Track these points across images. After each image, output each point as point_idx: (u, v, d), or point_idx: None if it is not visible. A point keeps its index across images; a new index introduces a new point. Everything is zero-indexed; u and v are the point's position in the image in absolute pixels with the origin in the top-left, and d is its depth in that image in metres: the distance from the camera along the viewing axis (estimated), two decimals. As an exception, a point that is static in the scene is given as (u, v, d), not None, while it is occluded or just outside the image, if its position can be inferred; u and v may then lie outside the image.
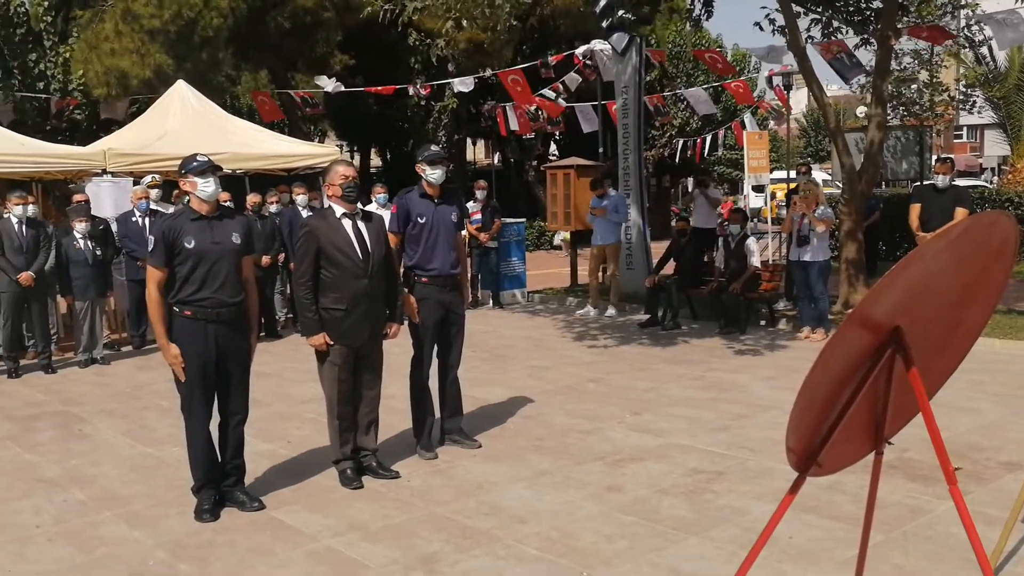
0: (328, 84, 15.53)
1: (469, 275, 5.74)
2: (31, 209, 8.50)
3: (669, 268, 10.77)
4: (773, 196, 20.17)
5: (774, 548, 3.86)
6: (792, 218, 9.31)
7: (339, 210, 5.00)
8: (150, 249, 4.53)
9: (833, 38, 11.22)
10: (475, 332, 10.03)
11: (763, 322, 9.99)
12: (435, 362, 5.78)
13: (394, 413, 6.58)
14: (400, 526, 4.39)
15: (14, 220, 8.27)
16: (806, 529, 4.13)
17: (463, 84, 15.71)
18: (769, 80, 16.96)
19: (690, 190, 11.82)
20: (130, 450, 5.87)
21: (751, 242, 9.87)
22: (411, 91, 16.15)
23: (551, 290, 13.33)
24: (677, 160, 25.06)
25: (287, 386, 7.64)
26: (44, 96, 16.06)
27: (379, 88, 15.47)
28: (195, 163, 4.58)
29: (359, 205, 5.14)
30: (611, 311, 11.11)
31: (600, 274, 11.59)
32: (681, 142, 24.46)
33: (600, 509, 4.54)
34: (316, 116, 19.26)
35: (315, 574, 3.87)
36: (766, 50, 13.34)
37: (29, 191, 9.39)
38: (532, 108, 16.29)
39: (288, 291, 10.57)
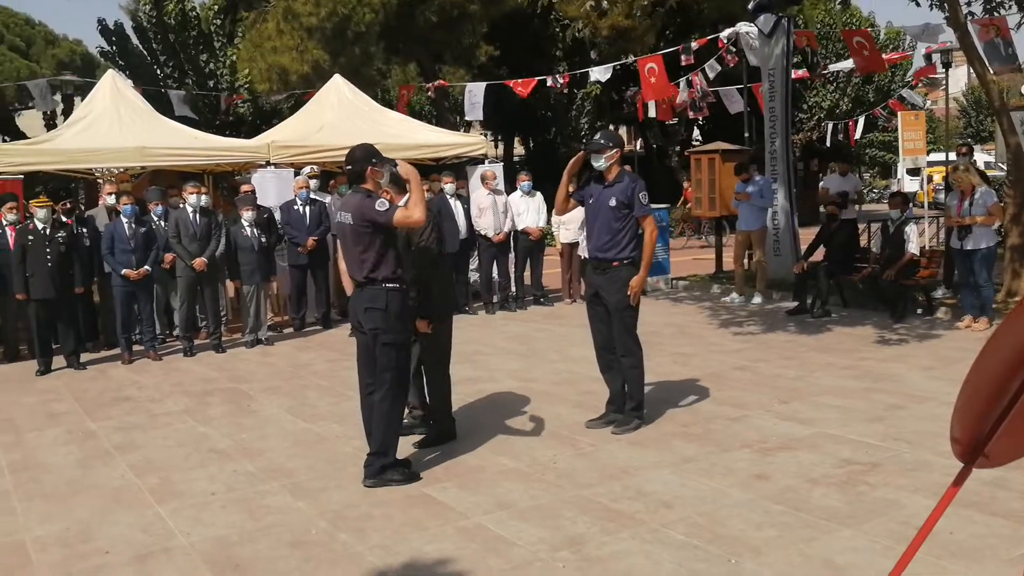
0: (474, 110, 15.66)
1: (642, 262, 5.81)
2: (204, 199, 9.13)
3: (819, 254, 10.40)
4: (930, 180, 19.00)
5: (933, 544, 3.71)
6: (950, 204, 8.84)
7: None
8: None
9: (996, 13, 10.47)
10: (617, 319, 10.05)
11: (920, 310, 9.51)
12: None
13: (537, 395, 6.71)
14: (547, 506, 4.48)
15: (189, 210, 8.91)
16: (968, 525, 3.94)
17: (602, 72, 15.64)
18: (927, 57, 15.98)
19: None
20: (293, 426, 6.25)
21: (911, 228, 9.42)
22: (549, 82, 16.23)
23: (695, 277, 13.13)
24: (827, 143, 24.05)
25: (435, 368, 7.89)
26: (214, 94, 17.16)
27: (519, 81, 15.60)
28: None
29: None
30: (757, 298, 10.85)
31: (746, 260, 11.34)
32: (831, 125, 23.46)
33: (747, 497, 4.48)
34: (462, 107, 19.65)
35: (465, 550, 4.01)
36: (921, 28, 12.62)
37: (202, 182, 10.09)
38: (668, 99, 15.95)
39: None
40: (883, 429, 5.52)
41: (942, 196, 13.46)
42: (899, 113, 15.39)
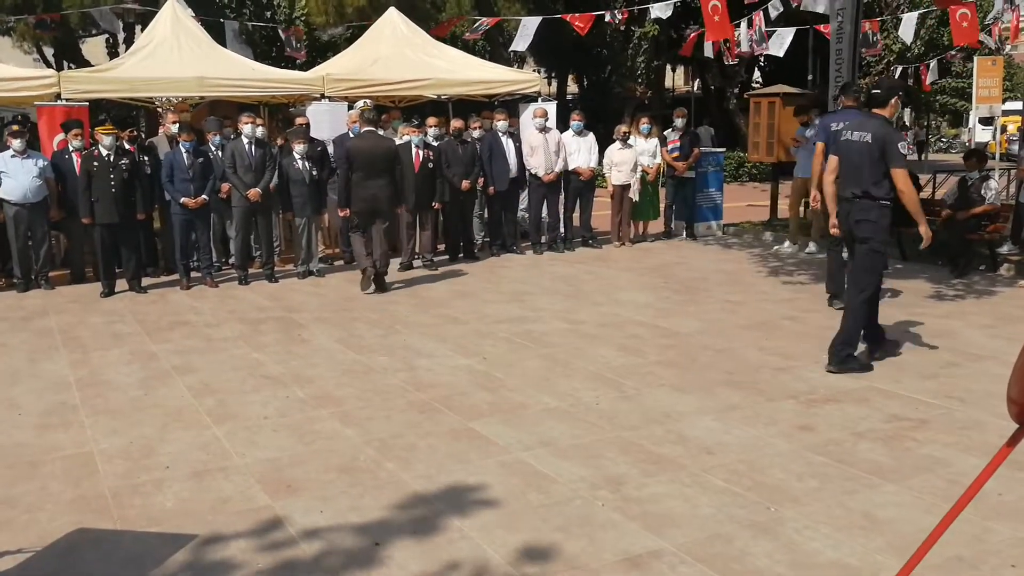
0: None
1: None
2: (259, 130, 9.20)
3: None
4: (1003, 129, 18.29)
5: (980, 504, 3.68)
6: (1022, 155, 8.57)
7: None
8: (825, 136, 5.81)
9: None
10: (667, 263, 9.99)
11: (983, 266, 9.27)
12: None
13: (582, 337, 6.73)
14: (588, 446, 4.55)
15: (245, 141, 9.00)
16: (1018, 487, 3.90)
17: (662, 9, 15.23)
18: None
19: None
20: (342, 356, 6.38)
21: (992, 183, 9.25)
22: (607, 17, 15.87)
23: (748, 223, 12.95)
24: (892, 88, 23.16)
25: (484, 306, 7.97)
26: (271, 25, 17.12)
27: (576, 16, 15.28)
28: None
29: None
30: (811, 247, 10.68)
31: (802, 208, 11.14)
32: (899, 69, 22.60)
33: (790, 447, 4.49)
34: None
35: (507, 483, 4.10)
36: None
37: (257, 114, 10.15)
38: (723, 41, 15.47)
39: (486, 215, 10.92)
40: (935, 386, 5.45)
41: (1015, 147, 12.92)
42: (975, 58, 14.76)
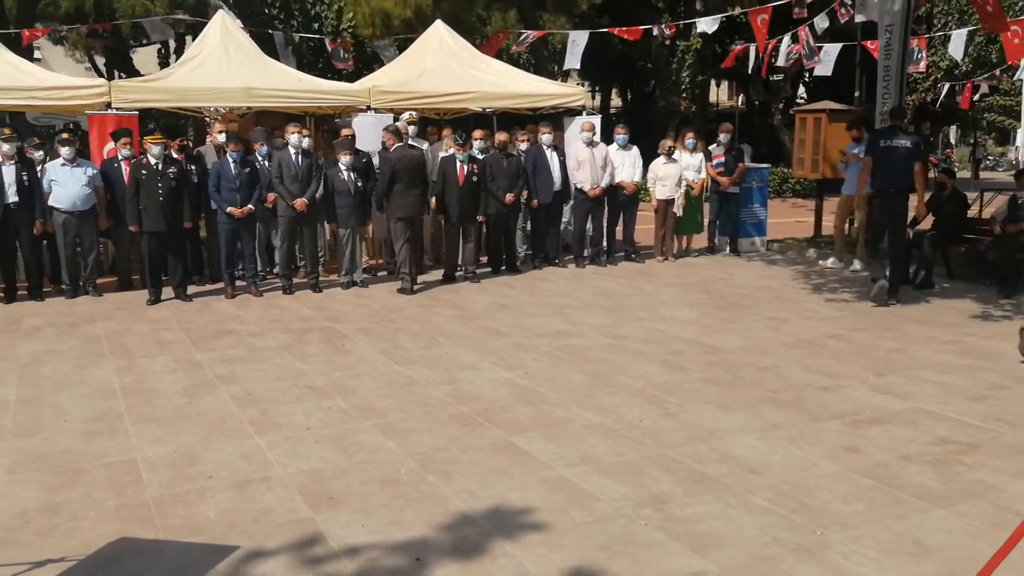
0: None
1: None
2: (306, 141, 9.31)
3: (926, 223, 9.99)
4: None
5: (1033, 532, 3.59)
6: None
7: None
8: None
9: None
10: (711, 279, 9.91)
11: (1033, 287, 9.07)
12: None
13: (626, 352, 6.70)
14: (631, 464, 4.51)
15: (292, 151, 9.11)
16: (1072, 516, 3.80)
17: (708, 24, 15.17)
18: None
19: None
20: (385, 367, 6.42)
21: None
22: (655, 31, 15.86)
23: (792, 240, 12.80)
24: (938, 106, 22.84)
25: (526, 319, 7.97)
26: (318, 37, 17.37)
27: (624, 30, 15.28)
28: None
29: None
30: (857, 265, 10.52)
31: (847, 226, 11.00)
32: (947, 86, 22.26)
33: (836, 469, 4.42)
34: (561, 56, 19.34)
35: (549, 500, 4.08)
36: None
37: (303, 124, 10.28)
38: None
39: (529, 227, 10.93)
40: (984, 409, 5.33)
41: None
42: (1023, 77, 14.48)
